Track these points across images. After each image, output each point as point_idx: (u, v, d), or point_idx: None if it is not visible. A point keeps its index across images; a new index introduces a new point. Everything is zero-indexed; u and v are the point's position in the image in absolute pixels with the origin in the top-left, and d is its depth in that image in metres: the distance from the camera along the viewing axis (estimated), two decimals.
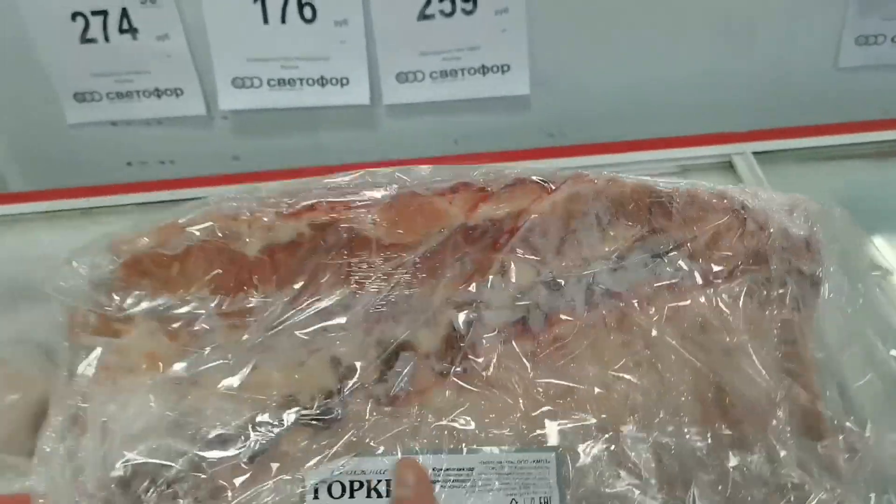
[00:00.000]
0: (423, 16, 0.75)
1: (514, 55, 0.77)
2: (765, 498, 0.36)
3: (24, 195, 0.79)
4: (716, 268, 0.41)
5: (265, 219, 0.39)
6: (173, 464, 0.36)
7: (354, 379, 0.38)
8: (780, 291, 0.40)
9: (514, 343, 0.39)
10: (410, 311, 0.39)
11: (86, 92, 0.80)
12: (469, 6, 0.74)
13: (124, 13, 0.75)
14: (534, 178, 0.41)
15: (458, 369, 0.39)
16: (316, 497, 0.36)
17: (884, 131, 0.72)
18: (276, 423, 0.37)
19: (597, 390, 0.39)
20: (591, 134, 0.81)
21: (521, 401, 0.38)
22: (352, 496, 0.36)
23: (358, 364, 0.39)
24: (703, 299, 0.40)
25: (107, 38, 0.76)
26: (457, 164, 0.73)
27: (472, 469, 0.37)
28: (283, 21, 0.75)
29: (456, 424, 0.38)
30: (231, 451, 0.37)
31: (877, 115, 0.76)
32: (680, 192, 0.42)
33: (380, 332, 0.39)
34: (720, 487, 0.37)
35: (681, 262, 0.41)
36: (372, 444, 0.37)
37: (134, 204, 0.75)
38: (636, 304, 0.40)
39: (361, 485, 0.37)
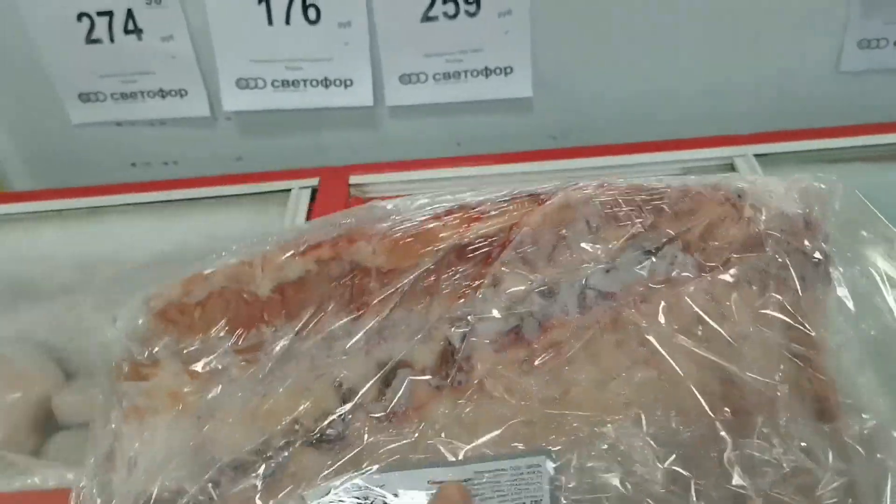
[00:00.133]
0: (427, 18, 0.75)
1: (517, 57, 0.78)
2: (771, 486, 0.36)
3: (29, 194, 0.79)
4: (711, 258, 0.41)
5: (275, 262, 0.41)
6: (190, 490, 0.38)
7: (356, 400, 0.39)
8: (781, 274, 0.40)
9: (508, 352, 0.40)
10: (407, 330, 0.40)
11: (90, 92, 0.80)
12: (472, 8, 0.75)
13: (129, 14, 0.75)
14: (526, 192, 0.42)
15: (454, 382, 0.39)
16: None
17: (885, 134, 0.72)
18: (284, 447, 0.39)
19: (592, 391, 0.39)
20: (594, 137, 0.82)
21: (516, 408, 0.39)
22: None
23: (358, 385, 0.40)
24: (700, 291, 0.40)
25: (112, 39, 0.76)
26: (459, 166, 0.74)
27: (468, 479, 0.37)
28: (287, 22, 0.75)
29: (454, 436, 0.38)
30: (243, 476, 0.39)
31: (879, 118, 0.76)
32: (672, 187, 0.42)
33: (379, 352, 0.40)
34: (724, 479, 0.37)
35: (675, 256, 0.41)
36: (372, 461, 0.38)
37: (137, 204, 0.76)
38: (631, 303, 0.40)
39: (358, 500, 0.37)
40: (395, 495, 0.37)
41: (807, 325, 0.39)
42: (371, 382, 0.40)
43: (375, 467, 0.38)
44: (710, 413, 0.38)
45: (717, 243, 0.41)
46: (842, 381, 0.39)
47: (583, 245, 0.41)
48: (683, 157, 0.72)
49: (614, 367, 0.39)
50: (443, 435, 0.38)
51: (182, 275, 0.42)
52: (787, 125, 0.76)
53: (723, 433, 0.37)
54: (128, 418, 0.41)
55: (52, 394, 0.67)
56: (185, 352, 0.41)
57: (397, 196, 0.44)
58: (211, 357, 0.41)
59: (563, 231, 0.41)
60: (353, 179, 0.74)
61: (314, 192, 0.73)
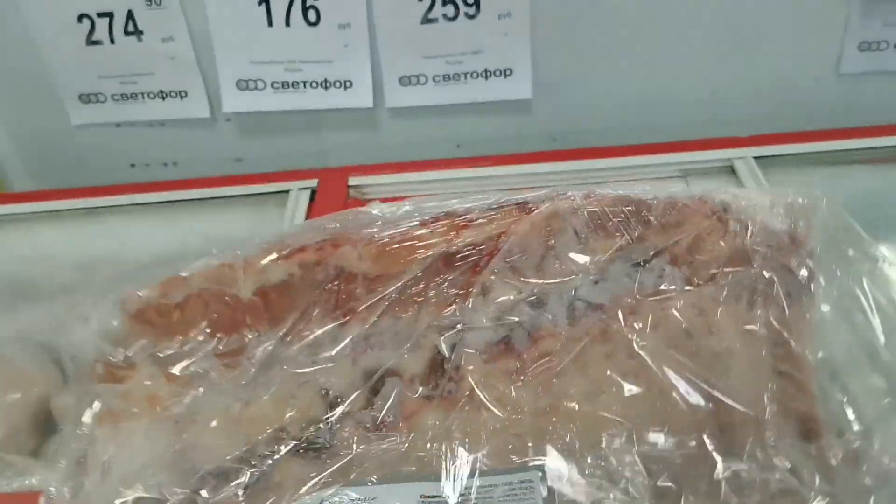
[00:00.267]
0: (427, 19, 0.75)
1: (516, 59, 0.78)
2: None
3: (29, 195, 0.79)
4: (699, 271, 0.40)
5: (257, 265, 0.41)
6: (169, 499, 0.37)
7: (343, 408, 0.39)
8: (767, 290, 0.40)
9: (498, 362, 0.40)
10: (395, 338, 0.40)
11: (91, 93, 0.80)
12: (472, 10, 0.75)
13: (130, 15, 0.75)
14: (513, 199, 0.42)
15: (444, 392, 0.39)
16: None
17: (886, 137, 0.72)
18: (268, 455, 0.38)
19: (583, 404, 0.39)
20: (594, 139, 0.81)
21: (506, 420, 0.38)
22: None
23: (345, 393, 0.39)
24: (687, 305, 0.40)
25: (112, 40, 0.77)
26: (459, 167, 0.74)
27: (461, 494, 0.37)
28: (287, 24, 0.75)
29: (445, 447, 0.38)
30: (226, 484, 0.38)
31: (879, 120, 0.76)
32: (659, 199, 0.42)
33: (366, 360, 0.40)
34: (712, 497, 0.36)
35: (663, 269, 0.41)
36: (361, 470, 0.37)
37: (137, 204, 0.76)
38: (620, 315, 0.40)
39: None
40: None
41: (792, 342, 0.39)
42: (359, 391, 0.39)
43: (366, 477, 0.37)
44: (699, 430, 0.38)
45: (704, 257, 0.41)
46: (825, 400, 0.38)
47: (571, 255, 0.41)
48: (683, 159, 0.72)
49: (604, 379, 0.39)
50: (433, 446, 0.38)
51: (161, 276, 0.41)
52: (787, 128, 0.76)
53: (711, 450, 0.37)
54: (102, 421, 0.40)
55: (52, 394, 0.67)
56: (162, 354, 0.40)
57: (397, 198, 0.44)
58: (190, 360, 0.40)
59: (552, 241, 0.41)
60: (353, 181, 0.74)
61: (313, 193, 0.73)
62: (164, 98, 0.80)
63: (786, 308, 0.40)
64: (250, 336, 0.40)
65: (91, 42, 0.77)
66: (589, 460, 0.37)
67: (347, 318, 0.40)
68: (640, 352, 0.39)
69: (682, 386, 0.38)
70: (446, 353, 0.40)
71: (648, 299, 0.40)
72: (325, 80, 0.78)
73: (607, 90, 0.82)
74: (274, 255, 0.41)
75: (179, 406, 0.39)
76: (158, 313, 0.41)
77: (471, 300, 0.40)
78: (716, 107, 0.83)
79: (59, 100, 0.81)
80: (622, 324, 0.39)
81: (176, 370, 0.40)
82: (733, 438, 0.37)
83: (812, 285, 0.40)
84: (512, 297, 0.40)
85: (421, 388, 0.39)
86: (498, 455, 0.38)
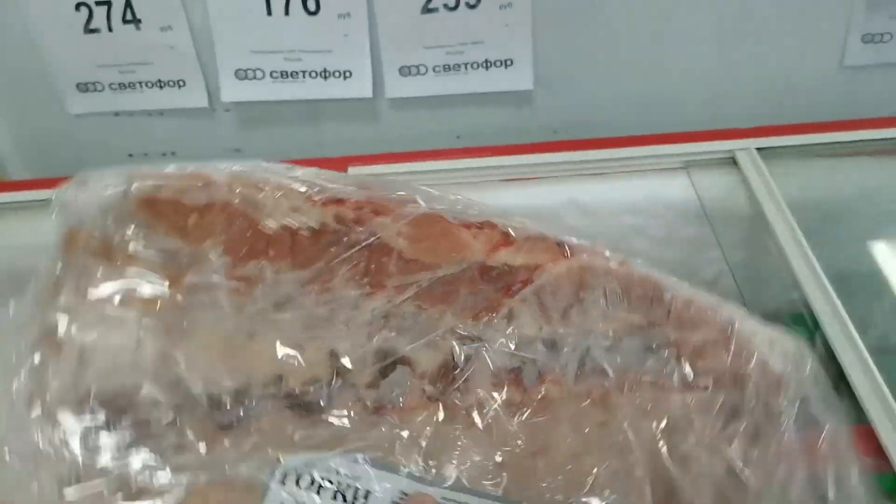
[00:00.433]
0: (427, 9, 0.75)
1: (517, 50, 0.77)
2: None
3: (26, 183, 0.79)
4: (698, 376, 0.41)
5: (292, 198, 0.39)
6: (146, 407, 0.35)
7: (347, 376, 0.38)
8: (744, 421, 0.40)
9: (505, 390, 0.40)
10: (416, 329, 0.40)
11: (89, 82, 0.80)
12: (473, 0, 0.74)
13: (128, 4, 0.75)
14: (555, 238, 0.42)
15: (448, 399, 0.39)
16: (282, 482, 0.36)
17: (889, 129, 0.71)
18: (260, 396, 0.37)
19: (569, 460, 0.39)
20: (595, 130, 0.81)
21: (496, 447, 0.38)
22: (317, 493, 0.36)
23: (354, 364, 0.39)
24: (677, 403, 0.40)
25: (110, 29, 0.76)
26: (459, 158, 0.73)
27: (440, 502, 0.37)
28: (287, 13, 0.75)
29: (431, 451, 0.38)
30: (210, 410, 0.36)
31: (882, 113, 0.76)
32: (681, 293, 0.42)
33: (382, 340, 0.39)
34: None
35: (669, 362, 0.41)
36: (349, 446, 0.37)
37: None
38: (622, 389, 0.40)
39: (331, 483, 0.36)
40: (366, 494, 0.36)
41: (747, 476, 0.39)
42: (369, 368, 0.38)
43: (356, 453, 0.36)
44: None
45: (705, 364, 0.41)
46: None
47: (594, 314, 0.41)
48: (685, 150, 0.71)
49: (594, 445, 0.39)
50: (425, 446, 0.38)
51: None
52: (790, 120, 0.75)
53: None
54: (86, 301, 0.36)
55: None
56: (168, 252, 0.37)
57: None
58: (199, 271, 0.37)
59: (581, 293, 0.41)
60: (352, 171, 0.74)
61: None
62: (162, 87, 0.80)
63: (754, 446, 0.40)
64: (269, 269, 0.38)
65: (89, 30, 0.76)
66: None
67: (374, 290, 0.39)
68: (629, 431, 0.39)
69: (655, 474, 0.39)
70: (461, 363, 0.39)
71: (648, 384, 0.41)
72: (325, 70, 0.78)
73: (609, 82, 0.82)
74: (309, 196, 0.39)
75: (176, 315, 0.37)
76: (173, 209, 0.38)
77: (497, 320, 0.40)
78: (719, 99, 0.82)
79: (57, 89, 0.80)
80: (622, 398, 0.40)
81: (180, 274, 0.37)
82: None
83: (786, 432, 0.40)
84: (533, 332, 0.40)
85: (428, 387, 0.39)
86: (477, 474, 0.38)
